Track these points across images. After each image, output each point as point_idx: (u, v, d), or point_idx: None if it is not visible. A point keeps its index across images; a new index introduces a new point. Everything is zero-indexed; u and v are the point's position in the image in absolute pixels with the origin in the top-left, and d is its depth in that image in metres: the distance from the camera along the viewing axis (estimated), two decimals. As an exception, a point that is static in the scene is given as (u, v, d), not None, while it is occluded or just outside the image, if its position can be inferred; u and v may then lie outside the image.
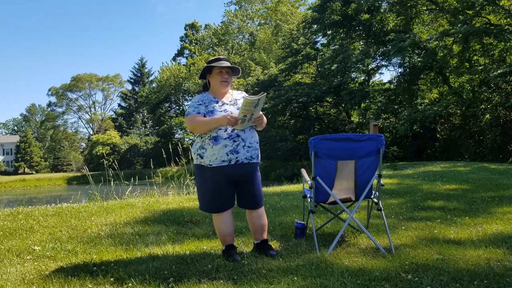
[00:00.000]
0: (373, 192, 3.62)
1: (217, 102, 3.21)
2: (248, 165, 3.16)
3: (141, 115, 63.85)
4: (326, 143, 3.35)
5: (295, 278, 2.65)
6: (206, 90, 3.34)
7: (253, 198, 3.27)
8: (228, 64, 3.24)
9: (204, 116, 3.16)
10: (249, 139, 3.17)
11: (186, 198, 6.72)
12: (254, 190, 3.25)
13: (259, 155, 3.28)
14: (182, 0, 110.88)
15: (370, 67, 22.83)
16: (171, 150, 10.77)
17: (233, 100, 3.29)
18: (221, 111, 3.16)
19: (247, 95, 3.42)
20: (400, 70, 22.94)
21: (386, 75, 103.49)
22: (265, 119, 3.25)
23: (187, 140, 47.14)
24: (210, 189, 3.17)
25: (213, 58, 3.33)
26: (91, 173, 9.00)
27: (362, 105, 23.68)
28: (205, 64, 3.32)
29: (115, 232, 4.21)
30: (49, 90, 74.42)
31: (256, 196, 3.27)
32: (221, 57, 3.33)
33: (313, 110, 29.55)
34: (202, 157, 3.17)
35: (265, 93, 3.24)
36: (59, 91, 73.63)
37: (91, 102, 75.51)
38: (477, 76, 18.20)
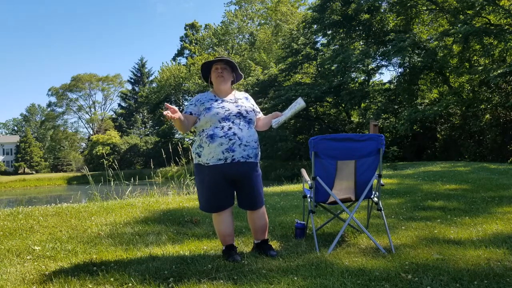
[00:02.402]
0: (373, 192, 3.62)
1: (216, 100, 3.21)
2: (245, 164, 3.13)
3: (141, 115, 63.87)
4: (326, 143, 3.35)
5: (295, 278, 2.65)
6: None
7: (252, 199, 3.23)
8: (222, 58, 3.27)
9: (192, 114, 3.18)
10: (246, 138, 3.13)
11: (186, 198, 6.71)
12: (253, 190, 3.21)
13: (258, 154, 3.24)
14: (181, 0, 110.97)
15: (370, 67, 22.82)
16: (171, 150, 10.78)
17: (235, 98, 3.27)
18: (219, 107, 3.15)
19: (250, 96, 3.44)
20: (400, 70, 22.97)
21: (386, 75, 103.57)
22: None
23: (187, 140, 47.12)
24: (208, 189, 3.15)
25: (214, 58, 3.35)
26: (91, 173, 9.00)
27: (362, 105, 23.68)
28: (204, 67, 3.34)
29: (115, 232, 4.21)
30: (49, 90, 74.53)
31: (255, 197, 3.23)
32: (219, 55, 3.34)
33: (313, 110, 29.54)
34: (200, 156, 3.16)
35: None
36: (59, 91, 73.64)
37: (91, 102, 75.61)
38: (477, 76, 18.21)
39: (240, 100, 3.28)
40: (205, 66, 3.32)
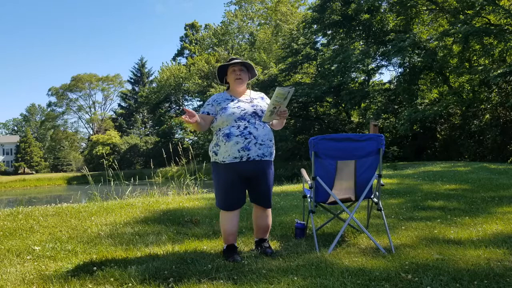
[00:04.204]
0: (373, 192, 3.62)
1: (232, 100, 3.28)
2: (260, 162, 3.20)
3: (141, 115, 63.82)
4: (326, 143, 3.36)
5: (295, 278, 2.65)
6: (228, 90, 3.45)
7: (266, 197, 3.31)
8: (239, 60, 3.33)
9: (209, 114, 3.25)
10: (261, 137, 3.20)
11: (186, 198, 6.71)
12: (266, 188, 3.29)
13: (273, 153, 3.31)
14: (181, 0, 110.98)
15: (370, 67, 22.82)
16: (171, 150, 10.78)
17: (250, 98, 3.34)
18: (234, 107, 3.22)
19: (265, 96, 3.46)
20: (400, 70, 22.97)
21: (386, 75, 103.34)
22: (287, 112, 3.27)
23: (187, 140, 47.10)
24: (224, 185, 3.22)
25: (228, 59, 3.41)
26: (91, 173, 8.99)
27: (362, 105, 23.67)
28: (219, 66, 3.40)
29: (115, 232, 4.21)
30: (49, 90, 74.49)
31: (268, 195, 3.33)
32: (234, 57, 3.41)
33: (313, 110, 29.53)
34: (216, 154, 3.23)
35: (293, 88, 3.32)
36: (59, 91, 73.62)
37: (91, 102, 75.55)
38: (477, 76, 18.20)
39: (255, 99, 3.34)
40: (220, 68, 3.39)
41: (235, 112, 3.19)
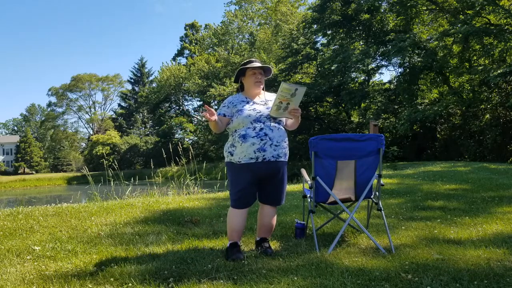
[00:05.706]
0: (373, 192, 3.62)
1: (247, 102, 3.35)
2: (275, 163, 3.26)
3: (141, 115, 63.82)
4: (326, 143, 3.36)
5: (295, 278, 2.65)
6: (242, 91, 3.49)
7: (276, 196, 3.36)
8: (260, 64, 3.39)
9: (225, 116, 3.33)
10: (276, 138, 3.26)
11: (186, 198, 6.71)
12: (278, 188, 3.34)
13: (287, 154, 3.37)
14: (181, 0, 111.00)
15: (370, 67, 22.80)
16: (171, 150, 10.79)
17: (264, 100, 3.40)
18: (250, 109, 3.29)
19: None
20: (400, 70, 22.95)
21: (386, 75, 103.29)
22: (299, 111, 3.29)
23: (187, 140, 47.12)
24: (236, 186, 3.28)
25: (246, 60, 3.46)
26: (91, 173, 8.99)
27: (362, 105, 23.66)
28: (239, 67, 3.45)
29: (115, 232, 4.21)
30: (49, 90, 74.54)
31: (279, 195, 3.37)
32: (253, 59, 3.47)
33: (313, 110, 29.50)
34: (232, 155, 3.29)
35: (305, 87, 3.34)
36: (59, 91, 73.64)
37: (91, 102, 75.58)
38: (477, 76, 18.20)
39: (270, 101, 3.39)
40: (239, 70, 3.43)
41: (251, 114, 3.27)
